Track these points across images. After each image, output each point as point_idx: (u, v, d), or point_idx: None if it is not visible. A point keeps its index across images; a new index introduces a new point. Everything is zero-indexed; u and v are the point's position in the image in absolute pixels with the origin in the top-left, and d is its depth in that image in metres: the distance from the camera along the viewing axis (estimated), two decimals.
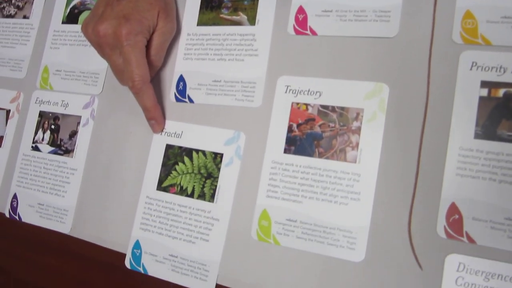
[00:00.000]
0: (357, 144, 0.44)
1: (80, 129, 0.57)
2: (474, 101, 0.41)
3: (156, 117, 0.50)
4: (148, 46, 0.49)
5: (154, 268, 0.50)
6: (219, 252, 0.47)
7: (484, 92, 0.41)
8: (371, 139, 0.44)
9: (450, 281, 0.39)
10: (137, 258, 0.51)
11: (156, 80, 0.55)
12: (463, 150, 0.41)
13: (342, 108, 0.46)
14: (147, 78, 0.48)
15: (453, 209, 0.40)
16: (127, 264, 0.51)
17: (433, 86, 0.43)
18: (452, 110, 0.42)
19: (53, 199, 0.57)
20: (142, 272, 0.50)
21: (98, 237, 0.54)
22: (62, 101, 0.59)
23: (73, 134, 0.57)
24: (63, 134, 0.58)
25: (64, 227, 0.56)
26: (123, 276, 0.52)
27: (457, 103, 0.42)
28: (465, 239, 0.39)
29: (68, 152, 0.57)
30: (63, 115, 0.59)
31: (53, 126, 0.59)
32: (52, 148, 0.59)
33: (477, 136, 0.41)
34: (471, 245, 0.39)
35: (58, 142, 0.58)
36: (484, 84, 0.41)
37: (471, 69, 0.42)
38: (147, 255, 0.51)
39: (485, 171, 0.40)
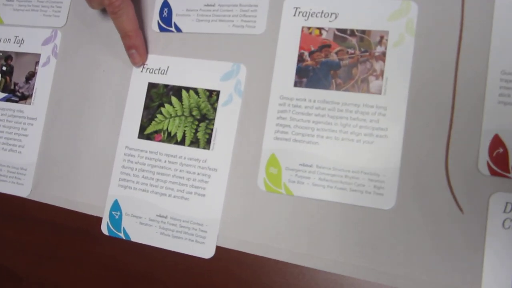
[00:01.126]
0: (382, 73, 0.38)
1: (39, 69, 0.48)
2: None
3: (137, 45, 0.42)
4: None
5: (138, 233, 0.42)
6: (219, 209, 0.40)
7: None
8: (398, 66, 0.38)
9: (497, 224, 0.34)
10: (116, 221, 0.43)
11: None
12: (505, 74, 0.36)
13: (363, 32, 0.39)
14: None
15: (496, 142, 0.35)
16: (104, 229, 0.43)
17: (469, 3, 0.37)
18: (491, 28, 0.37)
19: (7, 156, 0.48)
20: (124, 238, 0.42)
21: (65, 199, 0.45)
22: (16, 37, 0.49)
23: (31, 76, 0.48)
24: (18, 77, 0.49)
25: (22, 190, 0.47)
26: (100, 244, 0.43)
27: (497, 20, 0.37)
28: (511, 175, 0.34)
29: (24, 98, 0.48)
30: (17, 54, 0.49)
31: (4, 68, 0.49)
32: (5, 95, 0.49)
33: None
34: None
35: (12, 87, 0.49)
36: None
37: None
38: (128, 217, 0.42)
39: None
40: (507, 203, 0.35)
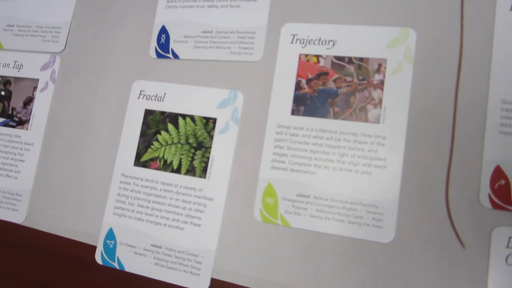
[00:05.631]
0: (380, 101, 0.40)
1: (37, 95, 0.51)
2: None
3: None
4: None
5: (132, 263, 0.43)
6: (214, 239, 0.41)
7: None
8: (396, 95, 0.40)
9: (499, 260, 0.35)
10: (110, 250, 0.44)
11: (131, 33, 0.49)
12: (506, 103, 0.37)
13: (361, 59, 0.41)
14: None
15: (498, 174, 0.36)
16: (98, 258, 0.45)
17: (468, 30, 0.39)
18: (491, 56, 0.38)
19: (3, 182, 0.50)
20: (118, 268, 0.44)
21: (60, 227, 0.47)
22: (15, 62, 0.52)
23: (28, 101, 0.51)
24: (16, 102, 0.51)
25: (16, 216, 0.49)
26: (93, 274, 0.45)
27: (497, 49, 0.38)
28: None
29: (22, 123, 0.51)
30: (16, 79, 0.52)
31: (3, 93, 0.52)
32: (2, 119, 0.52)
33: None
34: None
35: (10, 112, 0.52)
36: None
37: (511, 9, 0.38)
38: (123, 247, 0.44)
39: None
40: (510, 237, 0.35)
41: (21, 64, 0.52)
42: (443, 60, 0.39)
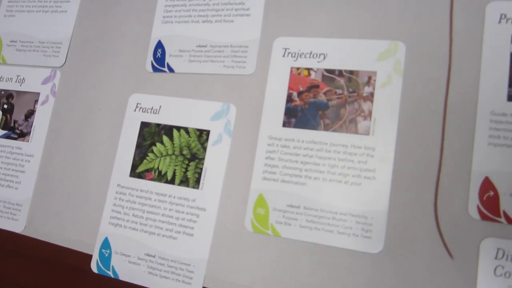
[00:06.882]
0: (370, 113, 0.41)
1: (38, 108, 0.53)
2: (505, 58, 0.39)
3: None
4: None
5: (126, 271, 0.45)
6: (206, 249, 0.43)
7: None
8: (386, 107, 0.41)
9: (488, 271, 0.36)
10: (105, 259, 0.46)
11: (129, 47, 0.51)
12: (495, 115, 0.38)
13: (351, 72, 0.42)
14: None
15: (487, 185, 0.37)
16: (94, 267, 0.47)
17: (457, 43, 0.40)
18: (479, 69, 0.39)
19: (4, 192, 0.52)
20: (112, 276, 0.45)
21: (58, 236, 0.49)
22: (17, 76, 0.55)
23: (30, 114, 0.53)
24: (18, 115, 0.54)
25: (16, 225, 0.51)
26: (89, 282, 0.47)
27: (485, 62, 0.39)
28: (503, 219, 0.36)
29: (23, 135, 0.53)
30: (18, 92, 0.55)
31: (5, 106, 0.55)
32: (4, 132, 0.54)
33: (510, 98, 0.38)
34: (510, 227, 0.36)
35: (12, 124, 0.54)
36: None
37: (499, 22, 0.40)
38: (118, 256, 0.46)
39: None
40: (498, 249, 0.36)
41: (23, 78, 0.55)
42: (432, 72, 0.40)
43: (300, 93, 0.44)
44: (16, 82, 0.55)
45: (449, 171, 0.38)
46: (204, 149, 0.45)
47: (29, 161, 0.52)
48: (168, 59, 0.49)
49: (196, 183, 0.45)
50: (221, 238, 0.43)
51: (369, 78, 0.42)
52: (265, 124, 0.44)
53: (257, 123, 0.44)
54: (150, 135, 0.47)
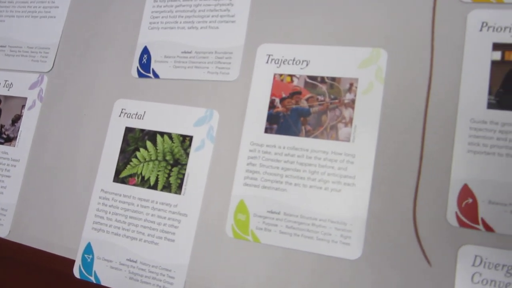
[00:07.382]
0: (351, 120, 0.41)
1: (25, 112, 0.54)
2: (486, 66, 0.39)
3: None
4: None
5: (108, 277, 0.45)
6: (187, 254, 0.43)
7: (497, 55, 0.39)
8: (367, 114, 0.41)
9: (465, 278, 0.36)
10: (88, 264, 0.46)
11: (115, 53, 0.52)
12: (474, 122, 0.38)
13: (333, 79, 0.43)
14: None
15: (465, 192, 0.37)
16: (76, 272, 0.47)
17: (438, 51, 0.40)
18: (460, 77, 0.40)
19: None
20: (94, 281, 0.46)
21: (42, 241, 0.49)
22: (5, 81, 0.56)
23: (17, 119, 0.54)
24: (5, 119, 0.55)
25: (1, 230, 0.51)
26: (71, 287, 0.47)
27: (466, 70, 0.40)
28: (481, 226, 0.36)
29: (9, 140, 0.54)
30: (6, 97, 0.55)
31: None
32: None
33: (490, 106, 0.38)
34: (488, 234, 0.36)
35: None
36: (496, 46, 0.39)
37: (481, 30, 0.40)
38: (100, 261, 0.46)
39: (501, 146, 0.37)
40: (476, 256, 0.36)
41: (11, 83, 0.55)
42: (413, 79, 0.41)
43: (282, 100, 0.44)
44: (4, 87, 0.55)
45: (428, 178, 0.38)
46: (187, 154, 0.45)
47: (15, 166, 0.52)
48: (153, 65, 0.50)
49: (178, 189, 0.45)
50: (202, 244, 0.43)
51: (351, 85, 0.42)
52: (247, 130, 0.44)
53: (240, 129, 0.45)
54: (134, 140, 0.48)
